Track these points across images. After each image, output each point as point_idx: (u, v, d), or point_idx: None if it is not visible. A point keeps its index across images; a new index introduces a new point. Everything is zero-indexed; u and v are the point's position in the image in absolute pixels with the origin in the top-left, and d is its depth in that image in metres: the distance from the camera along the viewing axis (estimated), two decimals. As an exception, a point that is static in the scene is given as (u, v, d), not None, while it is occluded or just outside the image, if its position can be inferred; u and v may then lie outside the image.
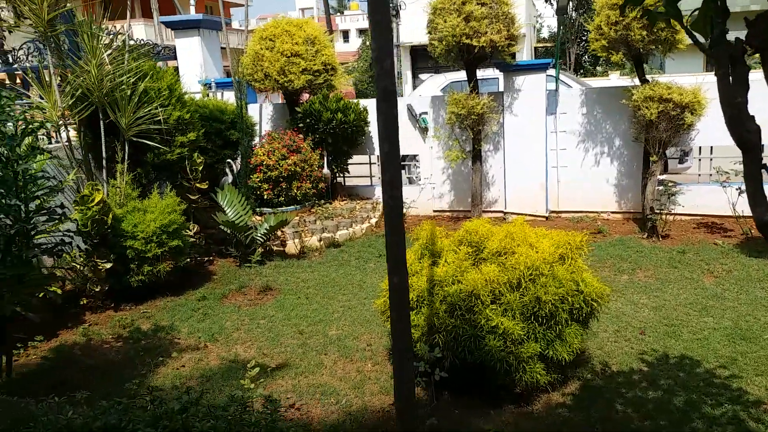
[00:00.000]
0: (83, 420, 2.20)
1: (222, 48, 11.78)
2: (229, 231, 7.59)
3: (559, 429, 3.77)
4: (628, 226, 8.55)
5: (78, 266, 6.26)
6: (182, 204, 6.94)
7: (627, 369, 4.53)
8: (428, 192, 9.85)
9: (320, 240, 8.25)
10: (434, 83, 12.99)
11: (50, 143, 7.21)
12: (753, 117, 1.88)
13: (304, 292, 6.59)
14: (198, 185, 7.60)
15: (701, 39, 1.89)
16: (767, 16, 1.80)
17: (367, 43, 37.23)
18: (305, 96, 9.94)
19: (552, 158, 9.18)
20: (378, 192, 10.01)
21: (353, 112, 9.14)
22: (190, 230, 7.41)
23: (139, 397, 3.05)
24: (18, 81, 9.53)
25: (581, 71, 34.00)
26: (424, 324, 4.01)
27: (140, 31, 24.84)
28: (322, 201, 9.32)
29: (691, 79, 9.76)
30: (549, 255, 3.99)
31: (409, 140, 9.83)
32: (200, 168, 7.59)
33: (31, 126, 3.91)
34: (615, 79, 19.66)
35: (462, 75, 9.51)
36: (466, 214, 9.28)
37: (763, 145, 2.05)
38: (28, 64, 8.82)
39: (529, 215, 9.14)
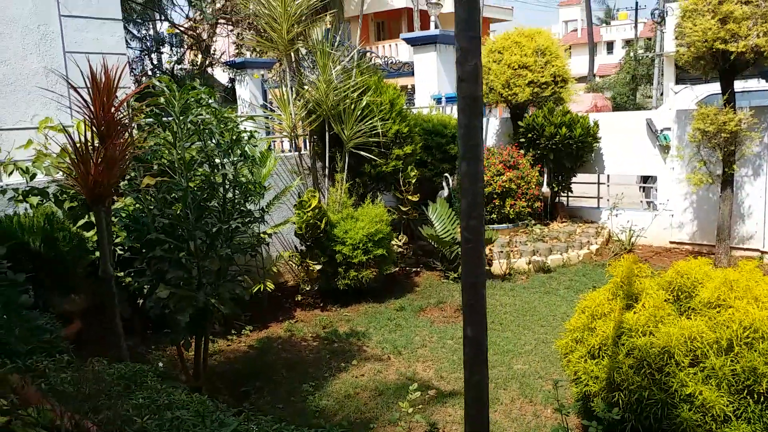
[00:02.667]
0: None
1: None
2: (435, 244, 7.61)
3: None
4: None
5: (294, 265, 6.87)
6: (392, 215, 7.16)
7: None
8: (665, 220, 8.65)
9: (529, 263, 7.80)
10: (689, 96, 11.41)
11: (286, 152, 8.04)
12: None
13: (500, 318, 6.26)
14: (410, 197, 7.77)
15: None
16: None
17: (631, 54, 34.62)
18: (532, 110, 9.55)
19: (836, 188, 7.34)
20: (611, 217, 9.11)
21: (580, 127, 8.48)
22: (399, 240, 7.61)
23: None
24: (269, 97, 10.91)
25: None
26: (605, 378, 3.44)
27: (403, 50, 26.42)
28: (538, 221, 8.81)
29: None
30: (780, 316, 3.11)
31: (646, 159, 8.78)
32: (413, 181, 7.75)
33: (241, 135, 4.36)
34: None
35: (737, 86, 8.12)
36: (711, 249, 7.90)
37: None
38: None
39: (797, 257, 7.45)
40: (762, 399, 3.03)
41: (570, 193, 9.51)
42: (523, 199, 8.41)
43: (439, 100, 10.62)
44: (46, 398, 2.15)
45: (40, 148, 4.60)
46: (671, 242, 8.50)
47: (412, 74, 12.41)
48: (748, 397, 3.06)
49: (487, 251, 7.89)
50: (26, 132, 5.15)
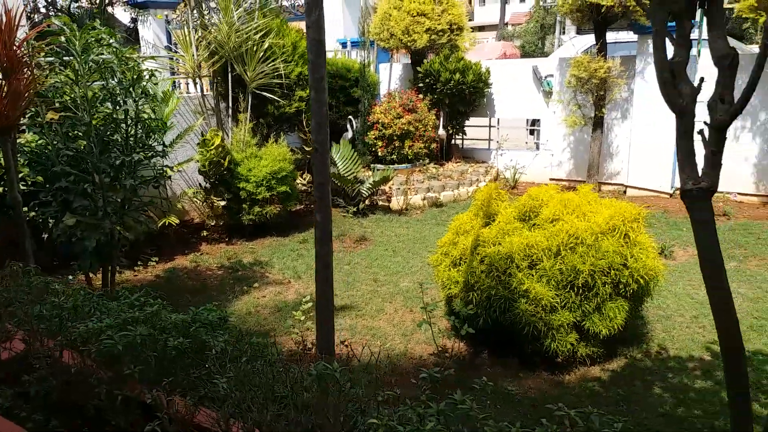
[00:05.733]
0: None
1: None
2: (338, 183, 8.10)
3: (581, 400, 3.73)
4: (764, 210, 7.67)
5: (199, 202, 7.16)
6: (296, 154, 7.54)
7: (686, 356, 4.27)
8: (546, 159, 9.56)
9: (424, 199, 8.48)
10: (575, 45, 12.34)
11: (192, 93, 8.17)
12: (689, 80, 1.78)
13: (393, 245, 6.91)
14: (312, 137, 8.16)
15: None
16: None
17: (540, 3, 35.68)
18: (431, 56, 10.05)
19: (685, 131, 8.41)
20: (497, 156, 9.94)
21: (473, 73, 9.10)
22: (303, 179, 8.03)
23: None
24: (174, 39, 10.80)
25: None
26: (463, 281, 4.12)
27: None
28: (434, 161, 9.48)
29: None
30: (597, 226, 3.86)
31: (531, 103, 9.57)
32: (316, 121, 8.13)
33: (142, 74, 4.59)
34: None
35: (611, 37, 8.96)
36: (585, 184, 8.89)
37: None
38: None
39: (652, 191, 8.55)
40: (580, 291, 3.80)
41: (465, 136, 10.22)
42: (421, 141, 9.01)
43: (344, 44, 10.92)
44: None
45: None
46: (551, 179, 9.44)
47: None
48: (571, 291, 3.82)
49: (386, 188, 8.49)
50: None
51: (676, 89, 1.78)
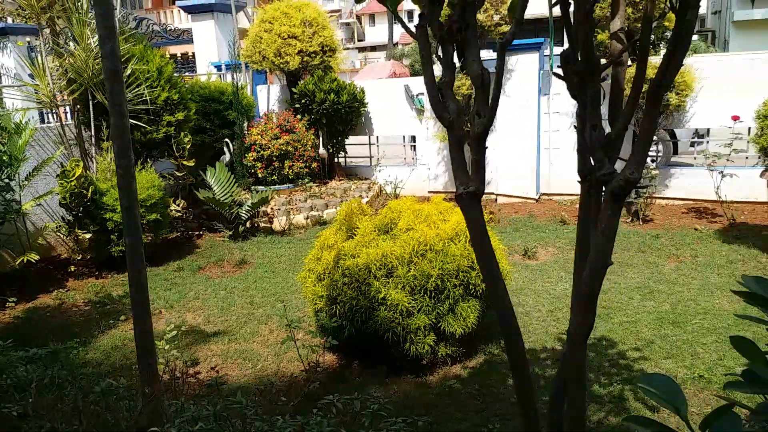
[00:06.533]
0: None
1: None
2: (215, 207, 7.97)
3: (441, 398, 3.91)
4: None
5: (63, 236, 6.80)
6: (168, 180, 7.35)
7: (540, 347, 4.59)
8: (423, 173, 9.94)
9: (307, 218, 8.54)
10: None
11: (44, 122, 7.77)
12: (456, 99, 1.98)
13: (274, 267, 6.89)
14: (185, 163, 8.00)
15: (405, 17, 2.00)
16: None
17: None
18: (306, 77, 10.18)
19: (545, 140, 9.08)
20: (377, 173, 10.20)
21: (347, 93, 9.32)
22: (176, 205, 7.84)
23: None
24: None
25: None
26: (326, 294, 4.21)
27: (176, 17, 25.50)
28: (317, 181, 9.58)
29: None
30: (445, 232, 4.09)
31: (406, 120, 9.93)
32: (188, 146, 7.99)
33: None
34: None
35: (484, 55, 9.46)
36: (459, 195, 9.32)
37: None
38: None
39: (520, 197, 9.12)
40: (432, 294, 4.00)
41: (346, 154, 10.41)
42: (301, 161, 9.08)
43: (218, 67, 10.81)
44: None
45: None
46: (429, 191, 9.82)
47: (189, 42, 12.38)
48: (425, 295, 4.01)
49: (268, 210, 8.46)
50: None
51: (445, 107, 1.96)
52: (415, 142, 10.98)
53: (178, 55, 17.15)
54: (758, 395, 1.05)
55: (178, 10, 24.48)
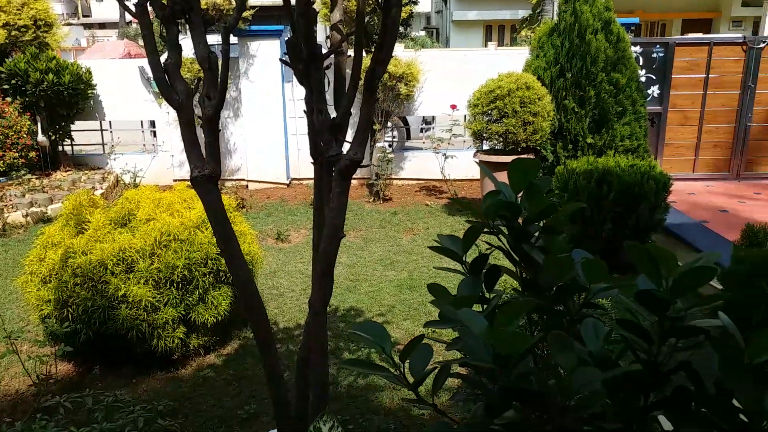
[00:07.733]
0: None
1: None
2: None
3: (195, 389, 3.81)
4: (361, 191, 9.00)
5: None
6: None
7: (294, 325, 4.74)
8: (167, 160, 9.40)
9: (26, 215, 7.45)
10: (188, 46, 12.37)
11: None
12: (184, 79, 1.95)
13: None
14: None
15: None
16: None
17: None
18: (17, 54, 8.82)
19: (292, 126, 9.28)
20: (112, 161, 9.34)
21: (69, 74, 8.31)
22: None
23: None
24: None
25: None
26: (54, 298, 3.76)
27: None
28: (37, 172, 8.41)
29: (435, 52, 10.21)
30: (190, 221, 3.96)
31: (144, 104, 9.24)
32: None
33: None
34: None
35: (213, 40, 9.11)
36: (207, 182, 9.03)
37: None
38: None
39: (272, 183, 9.21)
40: (180, 286, 3.85)
41: (73, 141, 9.31)
42: (14, 150, 7.87)
43: None
44: None
45: None
46: (174, 180, 9.32)
47: None
48: (172, 287, 3.84)
49: (-27, 209, 7.17)
50: None
51: (174, 88, 1.91)
52: (155, 127, 10.33)
53: None
54: (454, 331, 1.27)
55: None
